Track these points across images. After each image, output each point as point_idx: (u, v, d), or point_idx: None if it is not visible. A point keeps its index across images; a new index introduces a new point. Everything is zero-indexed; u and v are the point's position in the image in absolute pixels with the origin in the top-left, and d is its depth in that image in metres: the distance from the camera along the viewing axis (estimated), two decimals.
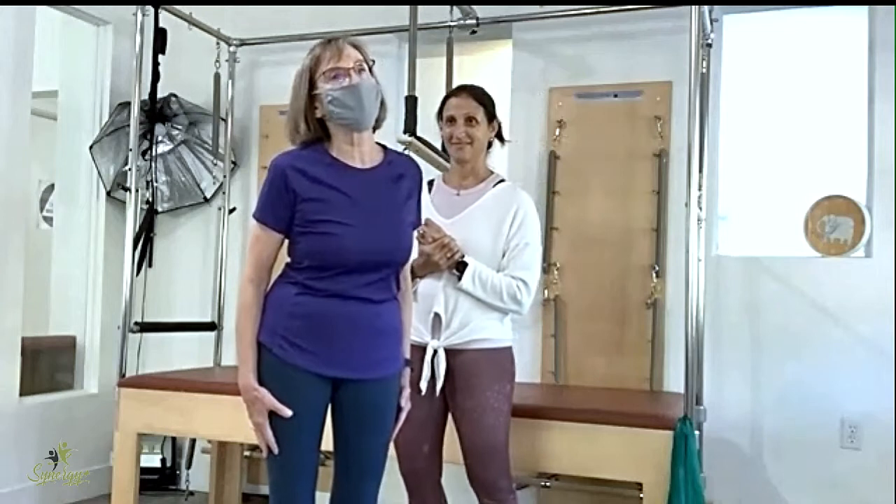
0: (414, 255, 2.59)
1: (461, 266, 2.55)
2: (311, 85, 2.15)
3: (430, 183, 2.79)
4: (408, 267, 2.33)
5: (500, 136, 2.79)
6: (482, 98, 2.70)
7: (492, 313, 2.61)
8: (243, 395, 2.12)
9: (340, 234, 2.09)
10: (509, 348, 2.67)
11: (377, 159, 2.22)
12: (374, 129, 2.24)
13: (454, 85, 3.70)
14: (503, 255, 2.62)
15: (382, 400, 2.21)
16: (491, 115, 2.70)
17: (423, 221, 2.41)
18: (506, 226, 2.62)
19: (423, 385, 2.54)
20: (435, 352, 2.57)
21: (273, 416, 2.09)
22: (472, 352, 2.58)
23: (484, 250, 2.60)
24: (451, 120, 2.68)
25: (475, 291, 2.55)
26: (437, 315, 2.58)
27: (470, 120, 2.65)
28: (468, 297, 2.57)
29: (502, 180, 2.75)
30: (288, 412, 2.08)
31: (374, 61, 2.22)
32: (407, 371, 2.31)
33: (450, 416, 2.65)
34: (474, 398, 2.55)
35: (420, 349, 2.57)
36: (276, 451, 2.10)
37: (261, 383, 2.09)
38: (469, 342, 2.57)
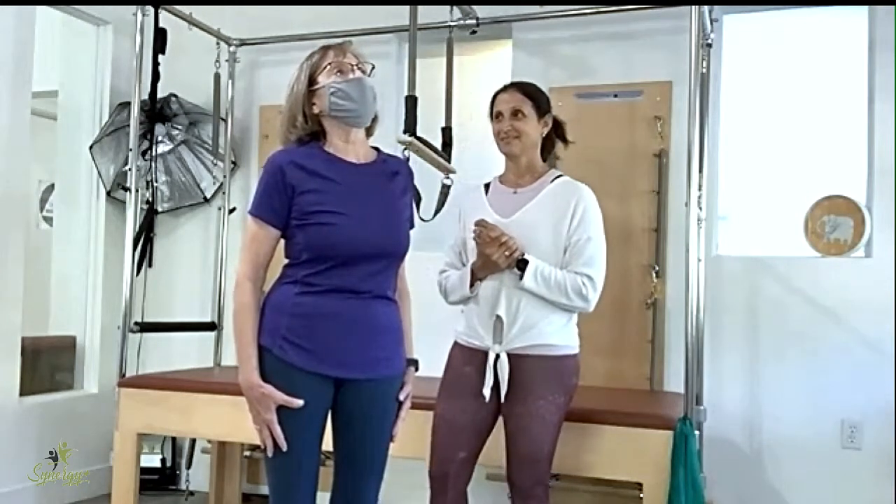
0: (472, 257, 2.57)
1: (522, 264, 2.48)
2: (311, 81, 2.17)
3: (487, 185, 2.73)
4: (405, 266, 2.32)
5: (562, 137, 2.74)
6: (530, 92, 2.64)
7: (557, 315, 2.53)
8: (248, 393, 2.09)
9: (339, 225, 2.10)
10: (574, 357, 2.58)
11: (371, 158, 2.25)
12: (367, 135, 2.27)
13: (454, 85, 3.71)
14: (565, 252, 2.53)
15: (383, 400, 2.21)
16: (542, 110, 2.64)
17: (415, 217, 2.38)
18: (566, 221, 2.53)
19: (487, 392, 2.49)
20: (497, 356, 2.50)
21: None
22: (533, 358, 2.49)
23: (545, 248, 2.52)
24: (499, 115, 2.62)
25: (538, 289, 2.47)
26: (499, 318, 2.51)
27: (516, 113, 2.59)
28: (531, 297, 2.49)
29: (560, 175, 2.67)
30: (298, 402, 2.06)
31: (373, 66, 2.23)
32: (411, 370, 2.30)
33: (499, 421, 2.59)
34: (525, 405, 2.48)
35: (481, 354, 2.53)
36: (284, 447, 2.08)
37: None
38: (531, 347, 2.49)
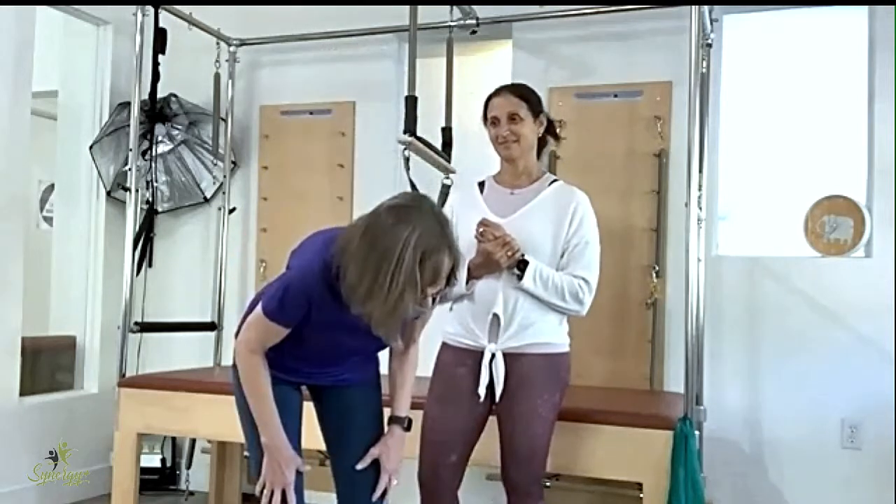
0: (471, 255, 2.51)
1: (521, 265, 2.48)
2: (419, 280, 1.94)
3: (482, 184, 2.73)
4: (416, 332, 2.29)
5: (553, 134, 2.75)
6: (524, 94, 2.64)
7: (551, 315, 2.54)
8: (275, 454, 2.11)
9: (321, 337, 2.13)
10: (566, 354, 2.61)
11: None
12: None
13: (454, 85, 3.71)
14: (562, 255, 2.55)
15: (364, 400, 2.27)
16: (536, 111, 2.64)
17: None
18: (565, 224, 2.55)
19: (482, 391, 2.49)
20: (493, 356, 2.50)
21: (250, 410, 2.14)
22: (530, 356, 2.50)
23: (543, 249, 2.53)
24: (495, 121, 2.63)
25: (536, 290, 2.48)
26: (495, 316, 2.51)
27: (513, 117, 2.59)
28: (528, 297, 2.50)
29: (556, 180, 2.69)
30: (307, 467, 2.17)
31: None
32: (395, 430, 2.27)
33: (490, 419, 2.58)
34: (524, 404, 2.49)
35: (475, 353, 2.52)
36: None
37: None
38: (528, 346, 2.50)
